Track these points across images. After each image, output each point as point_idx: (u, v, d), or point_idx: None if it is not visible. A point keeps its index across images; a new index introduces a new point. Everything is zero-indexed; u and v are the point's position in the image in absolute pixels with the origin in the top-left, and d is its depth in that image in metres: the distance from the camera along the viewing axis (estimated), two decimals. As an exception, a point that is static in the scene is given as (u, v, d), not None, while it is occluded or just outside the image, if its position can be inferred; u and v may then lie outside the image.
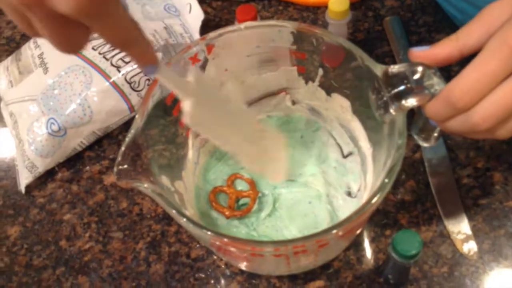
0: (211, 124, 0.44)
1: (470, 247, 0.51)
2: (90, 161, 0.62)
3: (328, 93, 0.52)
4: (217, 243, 0.42)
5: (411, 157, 0.57)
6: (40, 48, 0.62)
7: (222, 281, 0.52)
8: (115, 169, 0.42)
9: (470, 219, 0.52)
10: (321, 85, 0.52)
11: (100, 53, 0.59)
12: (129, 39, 0.34)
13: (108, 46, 0.60)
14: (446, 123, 0.39)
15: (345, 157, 0.55)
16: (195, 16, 0.63)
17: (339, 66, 0.49)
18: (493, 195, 0.54)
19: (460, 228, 0.52)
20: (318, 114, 0.55)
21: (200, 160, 0.56)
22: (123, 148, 0.42)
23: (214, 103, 0.44)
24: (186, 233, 0.55)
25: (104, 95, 0.58)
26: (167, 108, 0.48)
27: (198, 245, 0.54)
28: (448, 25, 0.66)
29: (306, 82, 0.53)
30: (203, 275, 0.53)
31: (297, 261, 0.45)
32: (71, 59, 0.59)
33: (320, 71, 0.51)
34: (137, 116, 0.44)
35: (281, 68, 0.52)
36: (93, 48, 0.60)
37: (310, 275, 0.51)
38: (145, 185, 0.41)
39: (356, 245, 0.52)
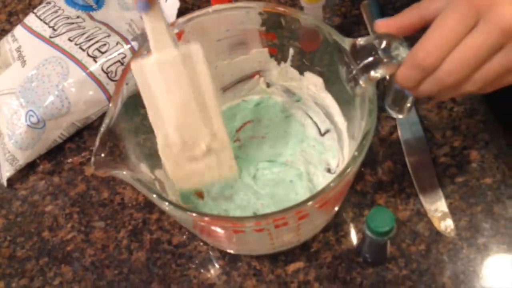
0: (156, 89, 0.42)
1: (447, 225, 0.51)
2: (71, 153, 0.62)
3: (301, 72, 0.53)
4: (200, 223, 0.42)
5: (388, 138, 0.57)
6: (18, 41, 0.62)
7: (204, 266, 0.53)
8: (92, 158, 0.42)
9: (447, 197, 0.53)
10: (293, 65, 0.53)
11: (76, 44, 0.59)
12: None
13: (84, 36, 0.60)
14: (417, 87, 0.40)
15: (322, 135, 0.56)
16: (171, 4, 0.63)
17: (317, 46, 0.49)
18: (469, 173, 0.54)
19: (437, 206, 0.52)
20: (293, 95, 0.56)
21: None
22: (98, 138, 0.43)
23: (182, 79, 0.42)
24: (167, 220, 0.56)
25: (81, 86, 0.58)
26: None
27: (179, 232, 0.55)
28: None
29: (279, 63, 0.53)
30: (184, 261, 0.53)
31: (280, 236, 0.46)
32: (48, 51, 0.60)
33: (291, 51, 0.51)
34: (110, 105, 0.44)
35: (253, 51, 0.52)
36: (69, 39, 0.60)
37: (290, 256, 0.52)
38: (124, 173, 0.42)
39: (335, 226, 0.53)
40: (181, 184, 0.48)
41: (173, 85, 0.42)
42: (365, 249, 0.48)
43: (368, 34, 0.65)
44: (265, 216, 0.41)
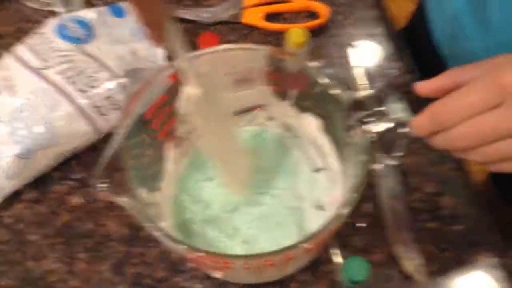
0: (205, 119, 0.49)
1: (419, 269, 0.54)
2: (57, 182, 0.63)
3: (301, 111, 0.56)
4: (190, 255, 0.44)
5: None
6: (8, 70, 0.63)
7: (185, 302, 0.54)
8: (95, 182, 0.43)
9: (419, 242, 0.55)
10: (294, 104, 0.56)
11: (66, 77, 0.60)
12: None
13: (74, 70, 0.61)
14: (431, 137, 0.41)
15: (316, 171, 0.58)
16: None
17: (307, 89, 0.52)
18: (440, 219, 0.57)
19: (410, 251, 0.55)
20: (291, 131, 0.59)
21: (179, 171, 0.58)
22: (103, 164, 0.43)
23: (213, 103, 0.49)
24: (150, 254, 0.57)
25: (70, 119, 0.59)
26: (146, 122, 0.50)
27: (162, 266, 0.56)
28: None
29: (280, 100, 0.56)
30: (166, 296, 0.55)
31: (268, 272, 0.48)
32: (38, 83, 0.60)
33: (294, 92, 0.54)
34: (115, 134, 0.45)
35: (256, 87, 0.55)
36: (59, 72, 0.61)
37: (269, 296, 0.54)
38: (124, 200, 0.43)
39: (312, 266, 0.55)
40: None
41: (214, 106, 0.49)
42: (340, 292, 0.51)
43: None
44: (255, 256, 0.43)
